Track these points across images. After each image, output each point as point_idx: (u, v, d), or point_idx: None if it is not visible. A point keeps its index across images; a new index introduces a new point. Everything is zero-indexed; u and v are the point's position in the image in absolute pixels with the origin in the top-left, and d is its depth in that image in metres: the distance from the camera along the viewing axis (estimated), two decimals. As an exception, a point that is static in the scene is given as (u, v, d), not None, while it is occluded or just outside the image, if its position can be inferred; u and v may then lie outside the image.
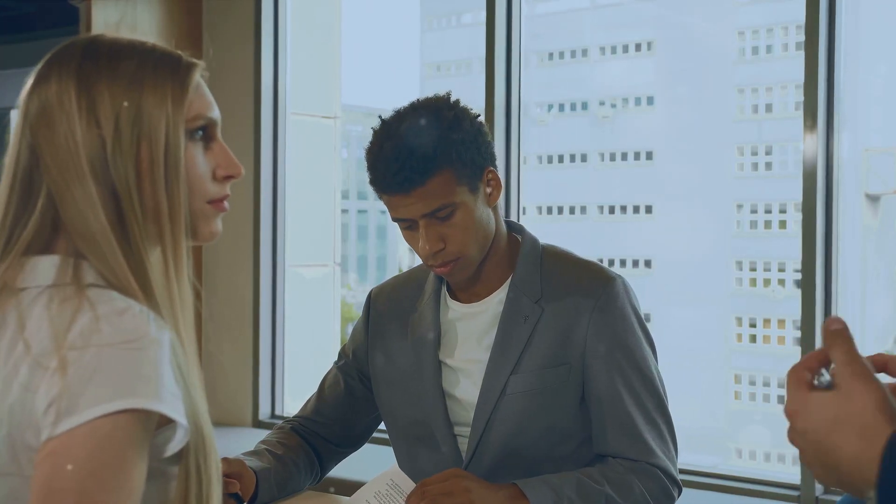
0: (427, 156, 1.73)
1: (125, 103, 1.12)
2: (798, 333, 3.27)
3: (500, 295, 1.88)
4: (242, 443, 3.64)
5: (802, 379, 0.96)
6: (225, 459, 1.75)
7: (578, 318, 1.82)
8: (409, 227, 1.79)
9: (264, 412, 4.29)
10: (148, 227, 1.13)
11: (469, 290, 1.90)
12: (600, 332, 1.81)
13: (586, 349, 1.82)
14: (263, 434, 2.12)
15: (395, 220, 1.80)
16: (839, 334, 0.94)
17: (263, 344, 4.28)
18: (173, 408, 1.04)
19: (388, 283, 2.05)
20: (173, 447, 1.08)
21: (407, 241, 1.83)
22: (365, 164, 1.84)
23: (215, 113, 1.20)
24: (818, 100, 3.09)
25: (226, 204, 1.21)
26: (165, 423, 1.06)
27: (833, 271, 3.12)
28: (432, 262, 1.80)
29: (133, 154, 1.12)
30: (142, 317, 1.05)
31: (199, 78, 1.19)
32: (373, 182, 1.80)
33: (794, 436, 0.96)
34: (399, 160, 1.72)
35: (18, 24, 4.47)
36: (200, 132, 1.19)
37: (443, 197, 1.74)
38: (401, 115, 1.80)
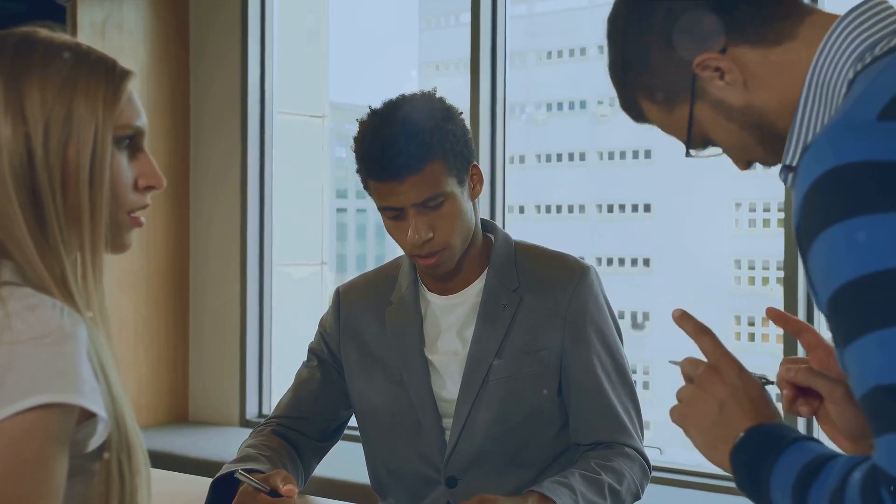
0: (424, 143, 1.77)
1: (56, 104, 1.11)
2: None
3: (478, 286, 1.92)
4: (230, 442, 3.64)
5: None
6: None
7: (556, 305, 1.88)
8: (396, 216, 1.82)
9: (251, 412, 4.29)
10: (70, 230, 1.12)
11: (444, 284, 1.93)
12: (578, 318, 1.87)
13: (565, 334, 1.87)
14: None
15: (383, 208, 1.82)
16: (704, 330, 1.12)
17: (251, 343, 4.28)
18: (93, 401, 1.04)
19: (357, 280, 2.07)
20: (95, 442, 1.07)
21: (390, 231, 1.84)
22: (355, 155, 1.85)
23: (143, 122, 1.20)
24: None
25: (142, 219, 1.21)
26: (86, 417, 1.05)
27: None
28: (418, 251, 1.82)
29: (59, 156, 1.12)
30: (54, 311, 1.05)
31: (131, 87, 1.19)
32: (366, 169, 1.82)
33: (705, 386, 1.12)
34: (396, 146, 1.75)
35: (8, 24, 4.47)
36: (127, 141, 1.18)
37: (435, 186, 1.78)
38: (394, 105, 1.83)
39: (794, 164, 1.11)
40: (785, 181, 1.16)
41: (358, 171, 1.84)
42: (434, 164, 1.78)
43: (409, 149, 1.75)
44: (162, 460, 3.77)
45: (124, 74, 1.18)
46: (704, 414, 1.13)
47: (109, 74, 1.17)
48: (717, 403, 1.12)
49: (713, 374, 1.14)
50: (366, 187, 1.86)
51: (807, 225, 0.98)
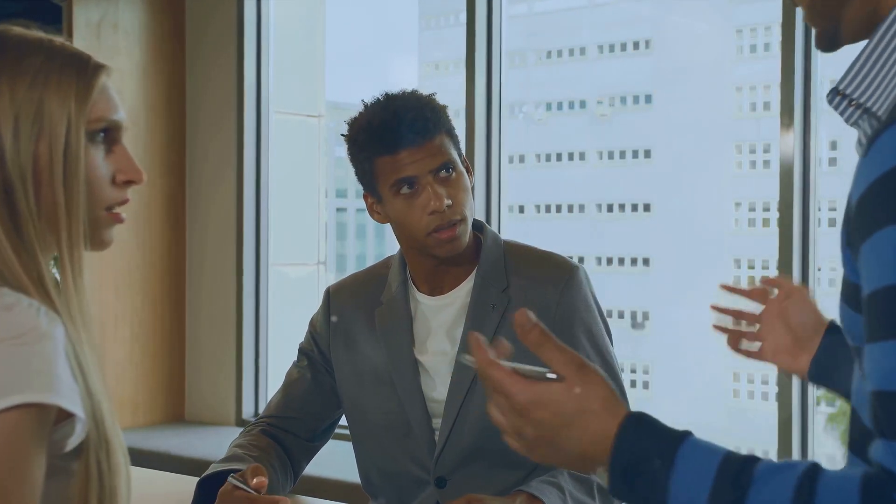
0: (434, 111, 1.84)
1: (25, 100, 1.11)
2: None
3: (467, 286, 1.92)
4: (226, 442, 3.64)
5: (510, 372, 1.07)
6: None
7: (546, 306, 1.87)
8: (410, 191, 1.82)
9: (248, 411, 4.29)
10: (43, 227, 1.11)
11: (433, 284, 1.93)
12: (567, 318, 1.87)
13: (554, 334, 1.84)
14: (247, 434, 2.10)
15: (396, 183, 1.82)
16: (542, 335, 1.07)
17: (247, 343, 4.28)
18: (70, 400, 1.03)
19: (347, 280, 2.07)
20: (73, 442, 1.07)
21: (403, 212, 1.84)
22: (359, 141, 1.86)
23: (119, 115, 1.19)
24: (794, 98, 3.09)
25: (123, 215, 1.19)
26: (64, 417, 1.05)
27: (810, 268, 3.13)
28: (439, 221, 1.82)
29: (31, 151, 1.11)
30: (31, 311, 1.04)
31: (106, 81, 1.18)
32: (376, 146, 1.83)
33: (525, 426, 1.07)
34: (409, 115, 1.81)
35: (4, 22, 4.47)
36: (102, 134, 1.17)
37: (447, 153, 1.83)
38: (390, 92, 1.88)
39: (851, 95, 1.04)
40: (834, 105, 1.07)
41: (362, 155, 1.85)
42: (442, 134, 1.84)
43: (422, 115, 1.81)
44: (158, 460, 3.77)
45: (98, 68, 1.17)
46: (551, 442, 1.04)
47: (82, 68, 1.15)
48: (560, 422, 1.03)
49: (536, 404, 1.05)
50: (371, 172, 1.85)
51: (872, 211, 0.92)
